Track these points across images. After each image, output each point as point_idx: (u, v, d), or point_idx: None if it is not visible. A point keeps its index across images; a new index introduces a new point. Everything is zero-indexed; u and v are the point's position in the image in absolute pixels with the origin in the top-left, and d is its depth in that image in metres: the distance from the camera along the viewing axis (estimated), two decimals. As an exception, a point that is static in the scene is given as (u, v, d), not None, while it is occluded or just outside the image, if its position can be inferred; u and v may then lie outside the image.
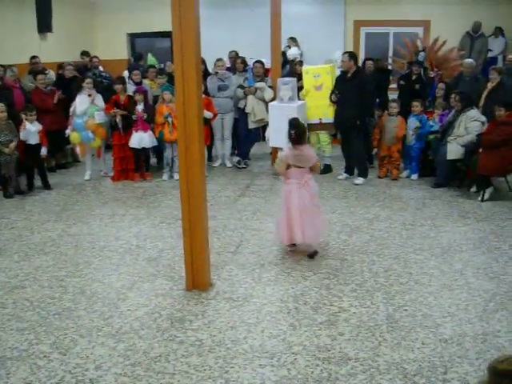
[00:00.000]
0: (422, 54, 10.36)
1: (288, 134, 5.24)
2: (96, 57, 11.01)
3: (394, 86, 9.95)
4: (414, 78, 9.15)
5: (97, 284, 4.86)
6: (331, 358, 3.67)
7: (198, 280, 4.64)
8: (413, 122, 8.01)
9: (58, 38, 12.02)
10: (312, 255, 5.35)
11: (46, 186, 8.05)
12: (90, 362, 3.66)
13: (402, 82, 9.37)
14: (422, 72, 9.26)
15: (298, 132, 5.20)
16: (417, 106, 8.07)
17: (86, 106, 8.22)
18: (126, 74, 9.80)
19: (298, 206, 5.20)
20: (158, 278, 4.95)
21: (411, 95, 8.57)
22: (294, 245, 5.48)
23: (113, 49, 13.55)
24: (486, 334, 3.95)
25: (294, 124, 5.25)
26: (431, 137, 7.92)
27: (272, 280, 4.87)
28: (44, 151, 7.96)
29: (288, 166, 5.28)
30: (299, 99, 8.41)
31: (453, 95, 7.83)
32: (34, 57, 9.98)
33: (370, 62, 9.30)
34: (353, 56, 8.01)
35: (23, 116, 7.80)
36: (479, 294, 4.57)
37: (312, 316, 4.22)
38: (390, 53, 12.33)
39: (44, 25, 11.53)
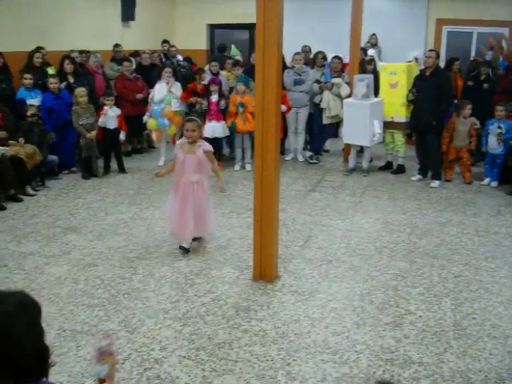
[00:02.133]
0: (489, 53, 10.01)
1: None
2: (173, 46, 11.24)
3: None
4: (482, 78, 8.85)
5: (166, 268, 4.98)
6: (394, 359, 3.63)
7: (265, 271, 4.67)
8: (496, 128, 7.74)
9: (139, 27, 12.34)
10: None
11: (122, 169, 8.31)
12: (156, 343, 3.76)
13: (470, 83, 9.07)
14: (490, 72, 8.95)
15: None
16: (501, 110, 7.79)
17: (165, 94, 8.41)
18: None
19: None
20: (226, 266, 5.03)
21: (480, 96, 8.29)
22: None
23: (192, 39, 13.76)
24: (560, 350, 3.80)
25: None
26: (511, 142, 7.65)
27: (339, 277, 4.85)
28: (122, 136, 8.22)
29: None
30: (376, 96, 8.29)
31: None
32: (117, 45, 10.31)
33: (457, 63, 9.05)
34: (438, 54, 7.85)
35: (103, 101, 8.08)
36: (553, 308, 4.40)
37: (377, 316, 4.17)
38: (473, 53, 11.94)
39: (127, 13, 11.86)
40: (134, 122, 8.76)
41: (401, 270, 5.02)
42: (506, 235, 5.99)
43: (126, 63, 9.10)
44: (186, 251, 5.28)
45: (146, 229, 5.99)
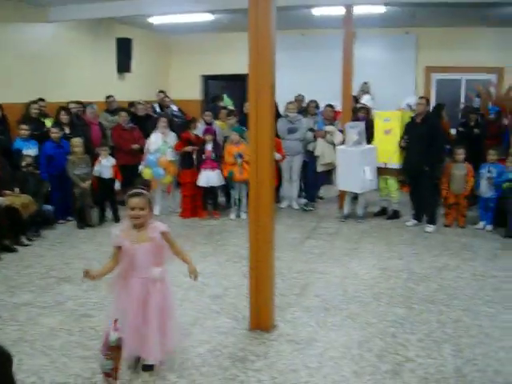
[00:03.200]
0: (476, 99, 10.22)
1: None
2: (167, 96, 11.41)
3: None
4: (472, 124, 8.98)
5: (161, 318, 4.91)
6: (395, 409, 3.56)
7: (261, 320, 4.62)
8: (486, 172, 7.82)
9: (135, 78, 12.56)
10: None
11: (117, 219, 8.30)
12: (151, 396, 3.68)
13: (461, 129, 9.20)
14: (478, 118, 9.08)
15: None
16: (493, 154, 7.89)
17: (160, 144, 8.48)
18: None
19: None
20: (221, 316, 4.96)
21: (471, 141, 8.40)
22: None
23: (186, 89, 14.00)
24: None
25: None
26: (504, 185, 7.69)
27: (336, 325, 4.79)
28: (117, 186, 8.24)
29: None
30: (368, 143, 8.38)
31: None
32: (109, 96, 10.47)
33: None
34: (428, 101, 7.99)
35: (98, 151, 8.15)
36: (558, 353, 4.34)
37: (376, 364, 4.10)
38: (462, 99, 12.15)
39: (123, 66, 12.08)
40: (129, 171, 8.79)
41: (399, 316, 4.97)
42: (504, 278, 5.96)
43: (122, 113, 9.21)
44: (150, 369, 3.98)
45: (140, 279, 5.93)
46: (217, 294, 5.50)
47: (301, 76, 12.65)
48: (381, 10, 10.12)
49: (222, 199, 9.38)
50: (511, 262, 6.51)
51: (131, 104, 10.70)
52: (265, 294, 4.55)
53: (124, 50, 12.00)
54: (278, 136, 8.67)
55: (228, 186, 8.66)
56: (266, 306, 4.59)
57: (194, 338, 4.52)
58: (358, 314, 5.01)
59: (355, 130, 8.14)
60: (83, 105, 9.49)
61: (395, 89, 11.85)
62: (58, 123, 8.52)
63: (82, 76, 10.91)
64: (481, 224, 8.01)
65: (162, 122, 8.72)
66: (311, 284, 5.77)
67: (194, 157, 8.42)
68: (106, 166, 8.14)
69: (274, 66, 4.31)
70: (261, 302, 4.57)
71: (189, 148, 8.41)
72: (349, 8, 8.70)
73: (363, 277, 5.98)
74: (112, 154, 8.41)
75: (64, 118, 8.62)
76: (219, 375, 3.94)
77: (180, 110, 11.39)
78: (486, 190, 7.84)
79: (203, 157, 8.31)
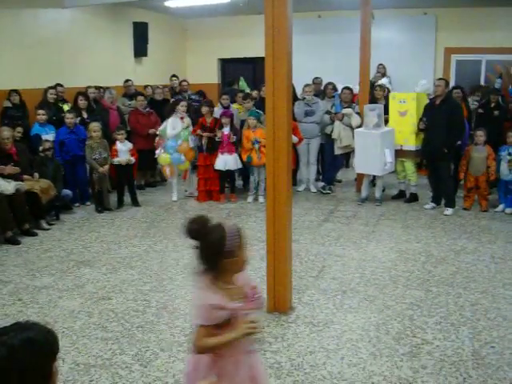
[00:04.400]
0: (498, 80, 10.04)
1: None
2: (185, 80, 11.40)
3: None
4: (492, 105, 8.84)
5: (179, 300, 4.96)
6: (413, 390, 3.57)
7: (279, 303, 4.64)
8: (506, 154, 7.72)
9: (151, 63, 12.57)
10: None
11: (135, 203, 8.36)
12: (170, 376, 3.73)
13: (480, 111, 9.07)
14: (499, 99, 8.93)
15: (202, 249, 2.42)
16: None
17: (179, 129, 8.46)
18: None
19: None
20: (239, 298, 4.99)
21: (491, 123, 8.30)
22: None
23: (204, 73, 13.99)
24: None
25: (190, 228, 2.41)
26: (524, 167, 7.61)
27: (353, 307, 4.80)
28: (132, 160, 8.25)
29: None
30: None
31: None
32: (127, 80, 10.49)
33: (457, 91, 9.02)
34: (447, 82, 7.91)
35: (115, 136, 8.20)
36: None
37: (394, 346, 4.11)
38: (482, 81, 11.97)
39: (140, 50, 12.09)
40: (146, 155, 8.84)
41: (416, 299, 4.96)
42: (523, 262, 5.93)
43: (139, 98, 9.24)
44: None
45: (159, 261, 5.99)
46: (234, 276, 5.53)
47: (318, 59, 12.56)
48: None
49: (239, 182, 9.38)
50: (531, 245, 6.46)
51: (146, 87, 10.71)
52: (282, 276, 4.57)
53: (140, 34, 12.01)
54: (294, 119, 8.64)
55: (246, 169, 8.66)
56: (283, 288, 4.61)
57: (211, 320, 4.55)
58: (375, 296, 5.01)
59: (374, 112, 8.07)
60: (102, 89, 9.52)
61: (414, 71, 11.69)
62: (75, 108, 8.56)
63: (99, 61, 10.95)
64: (500, 207, 7.93)
65: (182, 105, 8.69)
66: (328, 266, 5.78)
67: (203, 141, 8.40)
68: (123, 150, 8.17)
69: (291, 48, 4.29)
70: (278, 285, 4.59)
71: (199, 132, 8.40)
72: (366, -12, 8.59)
73: (381, 259, 5.97)
74: (129, 139, 8.44)
75: (82, 102, 8.67)
76: (237, 357, 3.97)
77: (201, 92, 11.32)
78: (505, 172, 7.74)
79: (217, 139, 8.28)
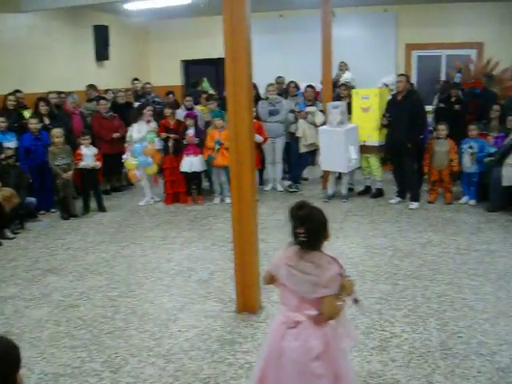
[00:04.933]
0: (458, 75, 10.22)
1: (291, 228, 2.74)
2: (148, 83, 11.32)
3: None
4: (453, 100, 8.97)
5: (148, 304, 4.93)
6: (382, 384, 3.61)
7: (248, 302, 4.64)
8: (468, 147, 7.86)
9: (114, 66, 12.45)
10: None
11: (101, 208, 8.27)
12: (141, 382, 3.69)
13: (441, 105, 9.21)
14: (460, 93, 9.08)
15: (310, 229, 2.70)
16: (474, 129, 7.93)
17: (144, 132, 8.40)
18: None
19: (276, 369, 2.79)
20: (209, 300, 4.98)
21: (452, 117, 8.45)
22: None
23: (167, 75, 13.92)
24: (547, 364, 3.80)
25: (301, 215, 2.70)
26: (486, 160, 7.75)
27: (322, 304, 4.82)
28: (98, 165, 8.16)
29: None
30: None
31: (511, 117, 7.69)
32: (90, 85, 10.37)
33: None
34: (408, 78, 8.02)
35: (80, 141, 8.10)
36: (539, 322, 4.42)
37: (363, 341, 4.14)
38: (443, 76, 12.16)
39: (101, 53, 11.97)
40: (111, 160, 8.75)
41: (384, 293, 5.02)
42: (487, 252, 6.03)
43: (102, 102, 9.14)
44: None
45: (127, 267, 5.93)
46: (203, 278, 5.52)
47: (281, 58, 12.61)
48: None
49: (206, 184, 9.35)
50: (493, 235, 6.58)
51: (106, 91, 10.60)
52: (250, 276, 4.57)
53: (101, 37, 11.89)
54: (259, 119, 8.67)
55: (208, 170, 8.63)
56: (251, 288, 4.61)
57: (181, 323, 4.54)
58: (343, 292, 5.05)
59: (338, 109, 8.12)
60: (64, 94, 9.39)
61: (376, 67, 11.81)
62: (36, 114, 8.42)
63: (60, 65, 10.80)
64: (464, 199, 8.08)
65: (148, 110, 8.64)
66: (297, 265, 5.79)
67: (170, 144, 8.36)
68: (88, 154, 8.08)
69: (251, 49, 4.30)
70: (246, 285, 4.59)
71: (163, 135, 8.36)
72: (326, -13, 8.66)
73: (348, 255, 6.01)
74: (93, 143, 8.34)
75: (43, 108, 8.51)
76: (208, 358, 3.96)
77: (171, 93, 11.20)
78: (468, 165, 7.89)
79: (184, 142, 8.26)
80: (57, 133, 7.89)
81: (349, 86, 9.19)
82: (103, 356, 4.05)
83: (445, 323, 4.41)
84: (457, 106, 8.78)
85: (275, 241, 6.57)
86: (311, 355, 2.68)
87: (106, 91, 10.59)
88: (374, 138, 8.21)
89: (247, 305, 4.64)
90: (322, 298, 2.67)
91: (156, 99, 10.94)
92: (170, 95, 10.60)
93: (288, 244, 2.82)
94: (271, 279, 2.92)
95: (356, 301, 2.79)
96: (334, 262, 2.74)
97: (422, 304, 4.77)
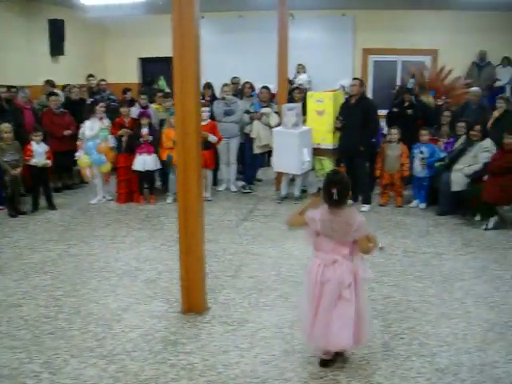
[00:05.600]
0: (411, 80, 10.39)
1: (325, 192, 3.59)
2: (103, 80, 11.16)
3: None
4: (406, 104, 9.11)
5: (93, 304, 4.85)
6: (323, 385, 3.63)
7: (193, 303, 4.62)
8: (418, 152, 7.99)
9: (69, 61, 12.23)
10: (323, 362, 3.85)
11: (51, 206, 8.10)
12: (80, 383, 3.63)
13: (395, 110, 9.34)
14: (413, 99, 9.24)
15: (341, 190, 3.53)
16: (425, 134, 8.05)
17: (97, 130, 8.27)
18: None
19: (312, 294, 3.71)
20: (155, 300, 4.93)
21: (405, 122, 8.60)
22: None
23: (124, 72, 13.76)
24: (484, 365, 3.88)
25: (336, 179, 3.58)
26: (437, 164, 7.89)
27: (269, 305, 4.83)
28: (48, 163, 8.00)
29: (316, 233, 3.71)
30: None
31: (461, 123, 7.84)
32: (48, 80, 10.17)
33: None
34: (362, 82, 8.10)
35: (31, 136, 7.92)
36: (478, 324, 4.51)
37: (307, 342, 4.17)
38: (398, 81, 12.36)
39: (56, 48, 11.75)
40: (62, 157, 8.58)
41: (331, 294, 5.05)
42: (434, 254, 6.15)
43: (52, 97, 8.94)
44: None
45: (74, 266, 5.82)
46: (151, 278, 5.47)
47: (239, 58, 12.63)
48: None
49: (159, 183, 9.26)
50: (441, 239, 6.72)
51: (64, 87, 10.41)
52: (196, 277, 4.55)
53: (56, 31, 11.67)
54: (214, 119, 8.64)
55: (165, 169, 8.54)
56: (197, 289, 4.59)
57: (126, 324, 4.48)
58: (290, 293, 5.07)
59: (293, 111, 8.16)
60: (15, 89, 9.17)
61: (333, 70, 11.92)
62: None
63: (12, 59, 10.55)
64: (414, 202, 8.22)
65: (100, 106, 8.50)
66: (245, 265, 5.80)
67: (123, 140, 8.24)
68: (38, 151, 7.91)
69: (199, 48, 4.27)
70: (192, 286, 4.57)
71: (121, 132, 8.25)
72: (282, -12, 8.68)
73: (297, 257, 6.03)
74: (44, 140, 8.16)
75: (-8, 103, 8.31)
76: (150, 359, 3.93)
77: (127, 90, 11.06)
78: (418, 169, 8.02)
79: (140, 140, 8.16)
80: (5, 128, 7.69)
81: (302, 89, 9.23)
82: (43, 357, 3.97)
83: (388, 325, 4.48)
84: (409, 111, 8.92)
85: (225, 241, 6.57)
86: (344, 285, 3.61)
87: (66, 86, 10.35)
88: (328, 140, 8.28)
89: (192, 305, 4.62)
90: (357, 240, 3.62)
91: (111, 96, 10.78)
92: (128, 93, 10.46)
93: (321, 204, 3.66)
94: (301, 224, 3.81)
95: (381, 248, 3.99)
96: (358, 213, 3.67)
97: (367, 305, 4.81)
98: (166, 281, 5.35)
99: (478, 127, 7.51)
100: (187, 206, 4.38)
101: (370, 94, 10.97)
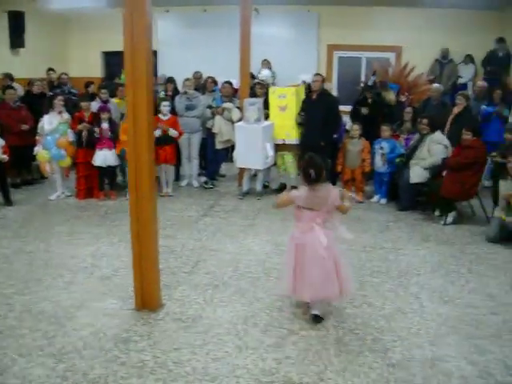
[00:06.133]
0: (372, 78, 10.45)
1: (303, 173, 4.34)
2: (65, 73, 10.96)
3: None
4: (369, 101, 9.15)
5: (45, 302, 4.75)
6: (274, 382, 3.61)
7: (147, 300, 4.56)
8: (379, 147, 8.04)
9: (30, 54, 11.97)
10: (315, 318, 4.46)
11: (8, 202, 7.93)
12: (27, 383, 3.55)
13: (358, 107, 9.38)
14: (374, 95, 9.27)
15: (317, 171, 4.28)
16: (386, 130, 8.10)
17: (56, 124, 8.13)
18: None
19: (292, 254, 4.43)
20: (109, 298, 4.86)
21: (366, 118, 8.69)
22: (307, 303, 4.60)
23: (87, 66, 13.56)
24: (435, 359, 3.92)
25: (311, 162, 4.33)
26: (397, 160, 7.95)
27: (224, 301, 4.80)
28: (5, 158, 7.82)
29: (298, 207, 4.42)
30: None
31: (419, 119, 7.90)
32: (6, 74, 9.95)
33: None
34: (323, 78, 8.11)
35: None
36: (432, 318, 4.55)
37: (260, 338, 4.15)
38: (363, 78, 12.41)
39: (16, 40, 11.51)
40: (20, 152, 8.41)
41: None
42: (392, 249, 6.20)
43: (8, 91, 8.74)
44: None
45: (28, 263, 5.69)
46: (106, 275, 5.38)
47: (203, 53, 12.51)
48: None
49: (120, 179, 9.13)
50: (400, 234, 6.78)
51: (29, 82, 10.17)
52: (149, 273, 4.49)
53: (16, 24, 11.42)
54: (175, 113, 8.57)
55: (122, 164, 8.41)
56: (151, 285, 4.53)
57: (77, 321, 4.40)
58: (246, 289, 5.05)
59: (255, 106, 8.13)
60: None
61: (298, 66, 11.86)
62: None
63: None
64: (375, 198, 8.27)
65: (59, 100, 8.34)
66: (203, 261, 5.75)
67: (83, 134, 8.11)
68: (-6, 146, 7.75)
69: (151, 42, 4.21)
70: (145, 282, 4.51)
71: (81, 126, 8.11)
72: (245, -17, 8.62)
73: (256, 252, 6.03)
74: (1, 135, 7.97)
75: None
76: (100, 357, 3.86)
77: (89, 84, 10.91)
78: (379, 165, 8.07)
79: (95, 135, 8.02)
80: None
81: (264, 85, 9.20)
82: (-11, 356, 3.87)
83: (343, 320, 4.49)
84: (363, 109, 8.92)
85: (184, 237, 6.52)
86: (322, 246, 4.28)
87: (30, 82, 10.12)
88: (292, 136, 8.27)
89: (146, 302, 4.56)
90: (337, 207, 4.43)
91: (72, 90, 10.61)
92: (91, 86, 10.31)
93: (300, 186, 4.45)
94: (288, 203, 4.53)
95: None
96: (332, 187, 4.52)
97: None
98: (122, 278, 5.27)
99: (425, 120, 7.64)
100: (139, 203, 4.32)
101: (334, 90, 10.98)
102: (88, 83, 10.52)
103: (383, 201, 8.17)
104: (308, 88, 8.74)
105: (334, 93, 9.93)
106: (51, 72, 10.95)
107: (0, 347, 4.00)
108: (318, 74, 8.30)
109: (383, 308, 4.73)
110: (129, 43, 4.05)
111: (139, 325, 4.35)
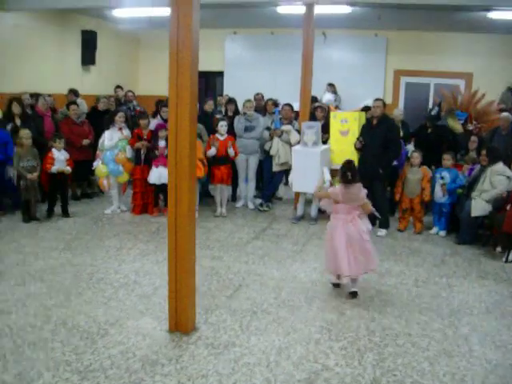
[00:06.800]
0: (436, 108, 10.08)
1: (342, 174, 5.38)
2: (130, 91, 11.19)
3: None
4: (429, 131, 8.82)
5: (81, 316, 4.74)
6: (300, 419, 3.42)
7: (180, 322, 4.46)
8: (439, 177, 7.72)
9: (100, 71, 12.36)
10: (353, 294, 5.44)
11: (65, 214, 8.10)
12: (48, 399, 3.52)
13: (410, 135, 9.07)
14: (435, 125, 8.95)
15: (353, 173, 5.36)
16: (448, 159, 7.78)
17: (116, 140, 8.28)
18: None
19: (344, 240, 5.29)
20: (145, 317, 4.79)
21: (428, 145, 8.41)
22: (338, 284, 5.65)
23: (155, 84, 13.78)
24: (479, 410, 3.62)
25: (348, 166, 5.42)
26: (458, 191, 7.60)
27: (260, 329, 4.63)
28: (69, 170, 8.03)
29: (336, 201, 5.42)
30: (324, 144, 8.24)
31: (483, 150, 7.54)
32: (71, 89, 10.26)
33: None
34: (385, 103, 7.90)
35: (52, 144, 7.95)
36: (480, 364, 4.21)
37: (291, 372, 3.95)
38: (430, 104, 12.07)
39: (88, 57, 11.89)
40: (81, 166, 8.59)
41: (328, 322, 4.83)
42: (445, 285, 5.86)
43: (72, 106, 8.98)
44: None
45: (72, 276, 5.74)
46: (146, 293, 5.33)
47: (268, 75, 12.58)
48: (347, 10, 9.99)
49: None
50: (456, 269, 6.42)
51: (97, 99, 10.44)
52: (184, 295, 4.39)
53: (89, 42, 11.82)
54: (234, 134, 8.55)
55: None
56: (185, 307, 4.42)
57: (109, 339, 4.35)
58: (285, 318, 4.87)
59: (313, 130, 8.00)
60: (38, 95, 9.26)
61: (364, 91, 11.74)
62: (6, 114, 8.29)
63: (43, 67, 10.71)
64: (434, 229, 7.92)
65: (119, 117, 8.51)
66: (245, 286, 5.61)
67: (142, 152, 8.22)
68: (60, 159, 7.94)
69: (197, 64, 4.22)
70: (180, 304, 4.41)
71: (138, 144, 8.22)
72: (310, 6, 8.55)
73: (301, 280, 5.84)
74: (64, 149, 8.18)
75: (16, 108, 8.38)
76: (125, 378, 3.78)
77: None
78: (438, 194, 7.74)
79: (156, 153, 8.11)
80: (25, 134, 7.76)
81: (325, 108, 9.06)
82: (18, 368, 3.86)
83: (383, 359, 4.22)
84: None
85: (231, 259, 6.42)
86: (362, 231, 5.31)
87: (97, 98, 10.39)
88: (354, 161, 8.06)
89: (179, 324, 4.46)
90: (362, 204, 5.42)
91: (137, 108, 10.80)
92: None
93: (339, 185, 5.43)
94: (325, 197, 5.72)
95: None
96: (362, 187, 5.48)
97: (363, 336, 4.57)
98: (161, 297, 5.19)
99: (483, 151, 7.27)
100: (179, 222, 4.24)
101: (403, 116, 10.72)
102: (159, 101, 10.69)
103: (442, 233, 7.81)
104: (366, 110, 8.54)
105: (401, 118, 9.65)
106: (118, 89, 11.22)
107: (30, 359, 3.99)
108: (378, 99, 8.06)
109: (428, 349, 4.42)
110: (174, 64, 4.05)
111: (170, 347, 4.25)
